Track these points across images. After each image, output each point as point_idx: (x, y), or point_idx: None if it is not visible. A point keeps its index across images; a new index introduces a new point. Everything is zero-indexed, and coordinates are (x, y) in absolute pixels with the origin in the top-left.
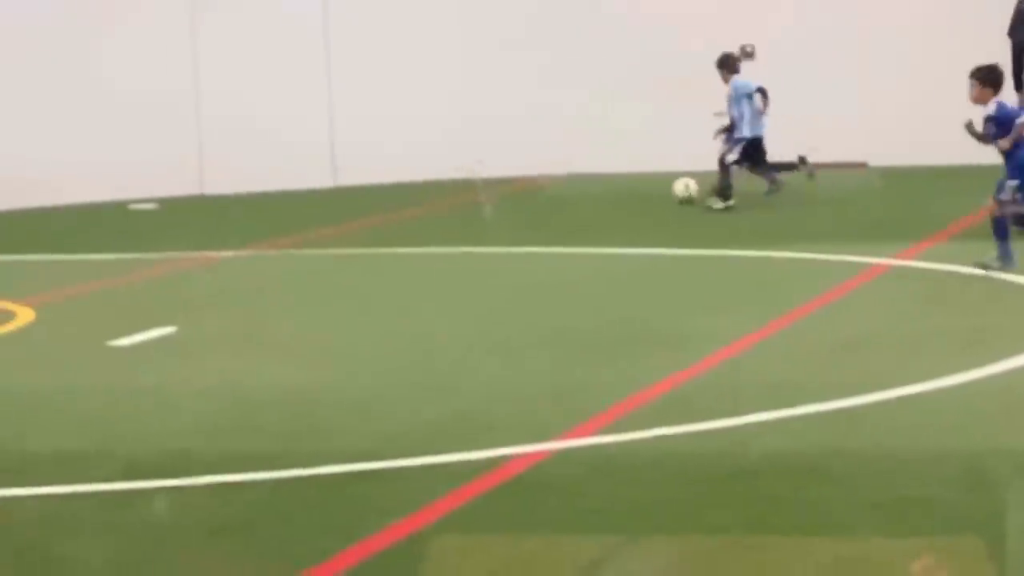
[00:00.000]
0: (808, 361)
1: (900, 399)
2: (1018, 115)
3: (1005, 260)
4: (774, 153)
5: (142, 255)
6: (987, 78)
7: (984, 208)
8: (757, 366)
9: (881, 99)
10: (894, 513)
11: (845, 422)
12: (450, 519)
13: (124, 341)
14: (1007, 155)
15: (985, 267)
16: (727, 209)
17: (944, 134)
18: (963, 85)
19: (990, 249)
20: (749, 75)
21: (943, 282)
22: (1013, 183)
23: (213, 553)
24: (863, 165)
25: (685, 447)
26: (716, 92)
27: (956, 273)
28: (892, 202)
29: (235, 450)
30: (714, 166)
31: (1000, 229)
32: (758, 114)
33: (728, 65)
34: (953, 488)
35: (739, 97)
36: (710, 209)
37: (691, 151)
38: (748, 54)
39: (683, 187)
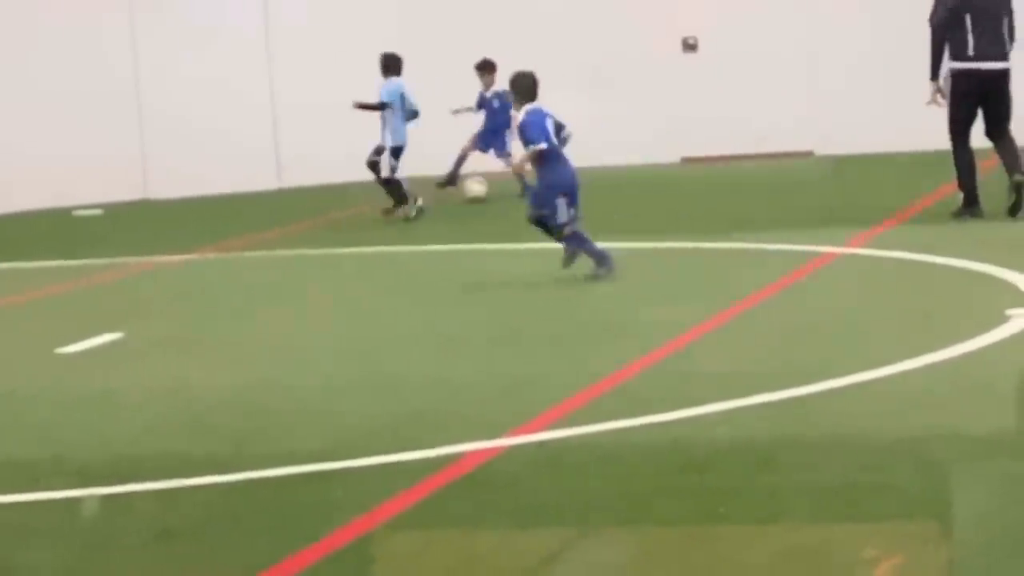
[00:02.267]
0: (758, 350)
1: (850, 386)
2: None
3: (600, 261)
4: None
5: (88, 261)
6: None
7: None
8: (707, 357)
9: (828, 88)
10: (846, 500)
11: (795, 410)
12: (403, 518)
13: (72, 348)
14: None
15: (595, 277)
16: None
17: (889, 122)
18: (909, 73)
19: (940, 234)
20: (694, 66)
21: (891, 269)
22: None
23: (164, 558)
24: (809, 154)
25: (636, 439)
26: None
27: (904, 260)
28: (839, 190)
29: (185, 454)
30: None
31: (575, 238)
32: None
33: (486, 68)
34: (904, 474)
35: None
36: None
37: (632, 144)
38: (691, 46)
39: (477, 187)
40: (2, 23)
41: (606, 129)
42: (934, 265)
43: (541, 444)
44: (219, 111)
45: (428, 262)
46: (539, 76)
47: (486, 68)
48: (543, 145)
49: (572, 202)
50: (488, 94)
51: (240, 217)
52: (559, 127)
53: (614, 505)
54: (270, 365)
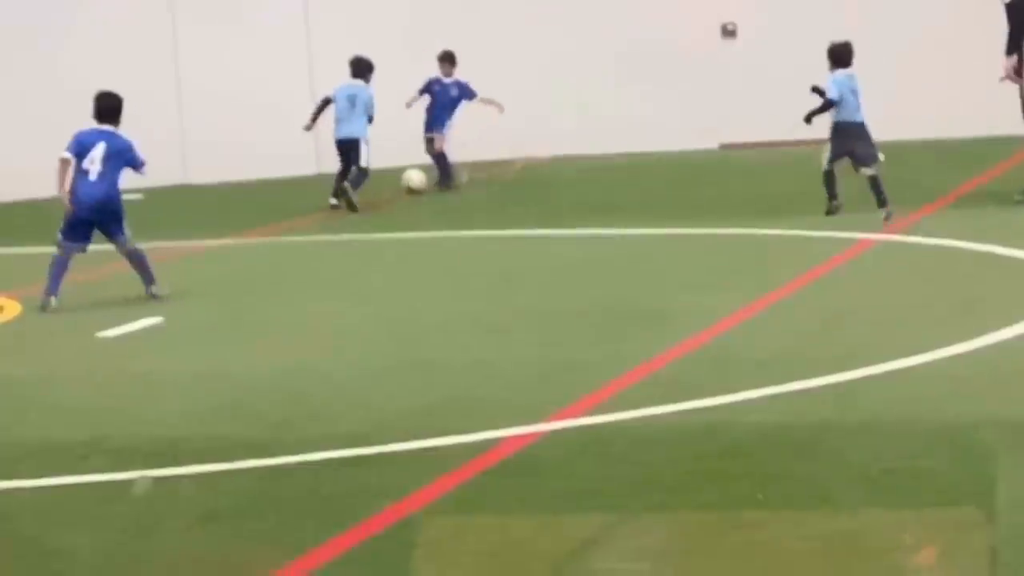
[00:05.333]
0: (797, 337)
1: (888, 373)
2: None
3: None
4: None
5: None
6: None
7: None
8: (746, 343)
9: (870, 73)
10: (884, 486)
11: (834, 397)
12: (442, 503)
13: (112, 332)
14: None
15: None
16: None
17: (932, 108)
18: (955, 58)
19: (980, 222)
20: (733, 52)
21: (930, 256)
22: None
23: (204, 541)
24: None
25: (675, 425)
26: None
27: (943, 246)
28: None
29: (225, 438)
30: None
31: None
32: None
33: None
34: (942, 460)
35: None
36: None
37: (671, 130)
38: (730, 32)
39: (416, 178)
40: (43, 8)
41: (644, 115)
42: (973, 252)
43: (580, 429)
44: (258, 96)
45: (467, 247)
46: (576, 62)
47: (450, 59)
48: None
49: None
50: (447, 80)
51: (279, 202)
52: None
53: (653, 490)
54: (309, 350)
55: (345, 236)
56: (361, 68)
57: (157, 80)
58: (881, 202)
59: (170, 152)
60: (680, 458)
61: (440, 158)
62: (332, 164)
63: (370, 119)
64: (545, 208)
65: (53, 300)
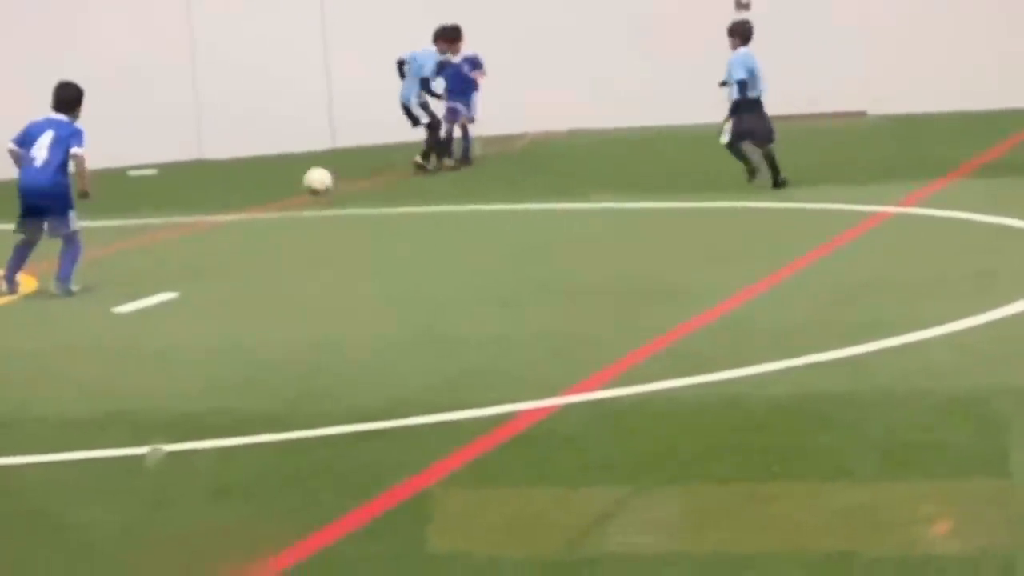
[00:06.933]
0: (812, 310)
1: (904, 345)
2: None
3: None
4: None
5: (143, 221)
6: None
7: None
8: (762, 316)
9: (882, 48)
10: (901, 458)
11: (850, 370)
12: (458, 476)
13: (128, 307)
14: None
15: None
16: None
17: (944, 81)
18: (965, 32)
19: (994, 193)
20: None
21: (945, 228)
22: None
23: (221, 515)
24: (863, 114)
25: (690, 398)
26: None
27: (958, 218)
28: (892, 151)
29: (241, 412)
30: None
31: None
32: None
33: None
34: (958, 431)
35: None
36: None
37: (685, 104)
38: (743, 5)
39: (317, 180)
40: None
41: (658, 89)
42: (989, 224)
43: (596, 403)
44: (273, 71)
45: (484, 222)
46: (590, 36)
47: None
48: None
49: None
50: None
51: (294, 177)
52: None
53: (668, 463)
54: (325, 324)
55: (360, 211)
56: (436, 35)
57: (172, 56)
58: (776, 174)
59: (185, 127)
60: (696, 431)
61: (463, 133)
62: (347, 139)
63: (421, 82)
64: (561, 182)
65: (3, 284)
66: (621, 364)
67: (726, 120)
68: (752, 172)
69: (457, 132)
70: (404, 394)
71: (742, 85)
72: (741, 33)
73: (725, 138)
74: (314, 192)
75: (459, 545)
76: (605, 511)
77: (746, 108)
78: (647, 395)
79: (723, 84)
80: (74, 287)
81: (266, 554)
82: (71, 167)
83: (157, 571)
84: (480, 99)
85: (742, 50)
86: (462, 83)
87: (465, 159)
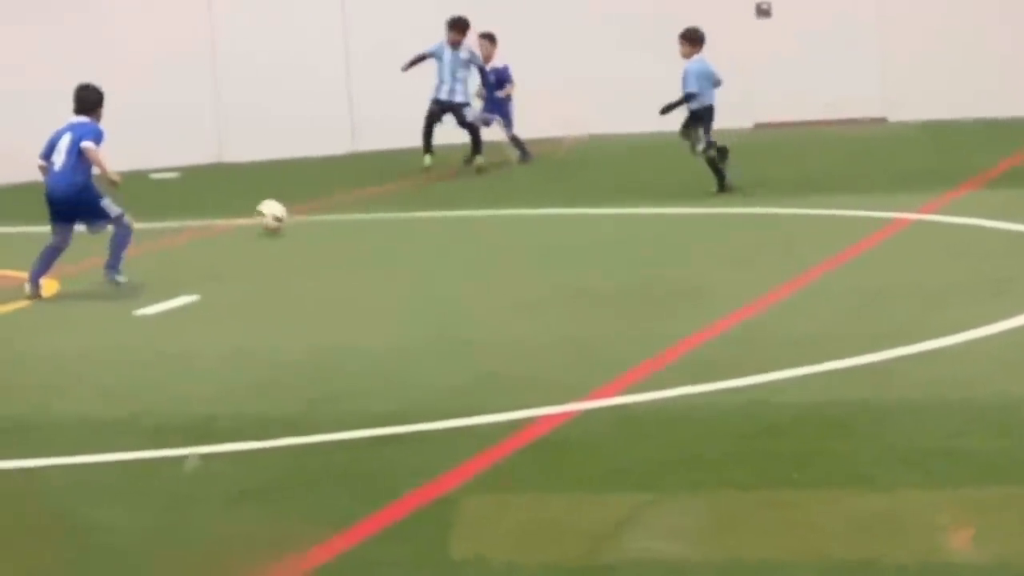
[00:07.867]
0: (832, 316)
1: (924, 352)
2: None
3: None
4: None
5: (164, 224)
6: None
7: None
8: (781, 322)
9: (903, 54)
10: (920, 466)
11: (870, 376)
12: (476, 481)
13: (149, 309)
14: None
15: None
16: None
17: (965, 89)
18: (985, 39)
19: (1014, 201)
20: (768, 32)
21: (965, 235)
22: None
23: (240, 518)
24: (883, 120)
25: (709, 404)
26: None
27: (978, 226)
28: (913, 157)
29: (260, 416)
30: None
31: None
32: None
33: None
34: (979, 439)
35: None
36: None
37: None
38: (764, 12)
39: (270, 218)
40: None
41: (679, 94)
42: (1009, 232)
43: (615, 409)
44: (294, 75)
45: (503, 226)
46: (612, 40)
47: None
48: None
49: None
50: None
51: (314, 181)
52: None
53: (687, 470)
54: (344, 328)
55: (380, 215)
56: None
57: (193, 60)
58: (721, 179)
59: (206, 131)
60: (715, 438)
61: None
62: (367, 143)
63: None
64: (581, 187)
65: (27, 286)
66: (640, 370)
67: (691, 129)
68: (723, 186)
69: (496, 134)
70: (422, 398)
71: (689, 97)
72: (694, 40)
73: (700, 146)
74: (269, 229)
75: (477, 550)
76: (623, 517)
77: (706, 115)
78: (666, 401)
79: (682, 99)
80: (121, 278)
81: (285, 558)
82: (94, 169)
83: (177, 574)
84: (515, 109)
85: (696, 58)
86: (494, 94)
87: (524, 155)
